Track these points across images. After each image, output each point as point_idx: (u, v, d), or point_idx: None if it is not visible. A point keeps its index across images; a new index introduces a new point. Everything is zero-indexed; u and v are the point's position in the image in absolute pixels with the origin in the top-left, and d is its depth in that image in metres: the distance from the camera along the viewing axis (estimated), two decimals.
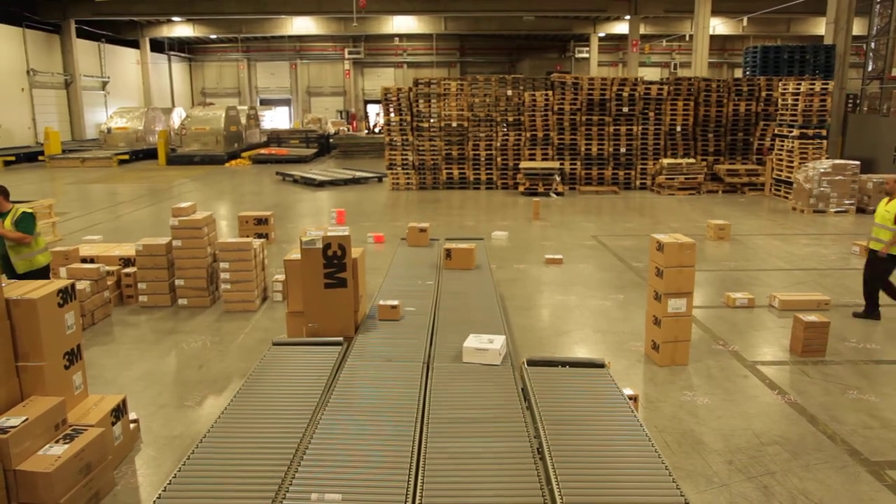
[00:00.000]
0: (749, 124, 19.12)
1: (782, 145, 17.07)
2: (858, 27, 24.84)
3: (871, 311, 7.76)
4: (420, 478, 3.40)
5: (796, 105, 16.61)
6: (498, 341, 5.04)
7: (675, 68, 44.45)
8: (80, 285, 7.33)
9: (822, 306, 8.10)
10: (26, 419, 4.00)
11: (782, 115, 17.35)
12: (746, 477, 4.55)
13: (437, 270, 7.49)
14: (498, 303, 6.41)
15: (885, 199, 7.58)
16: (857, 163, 15.12)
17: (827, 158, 16.20)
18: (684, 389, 5.94)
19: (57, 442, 4.11)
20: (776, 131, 17.72)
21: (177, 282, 8.32)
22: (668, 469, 3.48)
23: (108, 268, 8.30)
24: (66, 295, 4.59)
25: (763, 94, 18.93)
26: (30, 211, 6.72)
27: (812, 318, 6.73)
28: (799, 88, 16.54)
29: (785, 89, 17.18)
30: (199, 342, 7.18)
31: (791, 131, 16.70)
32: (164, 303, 8.36)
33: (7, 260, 6.67)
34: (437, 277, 7.19)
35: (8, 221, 6.57)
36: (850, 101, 20.39)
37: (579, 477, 3.38)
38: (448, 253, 7.60)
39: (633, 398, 4.75)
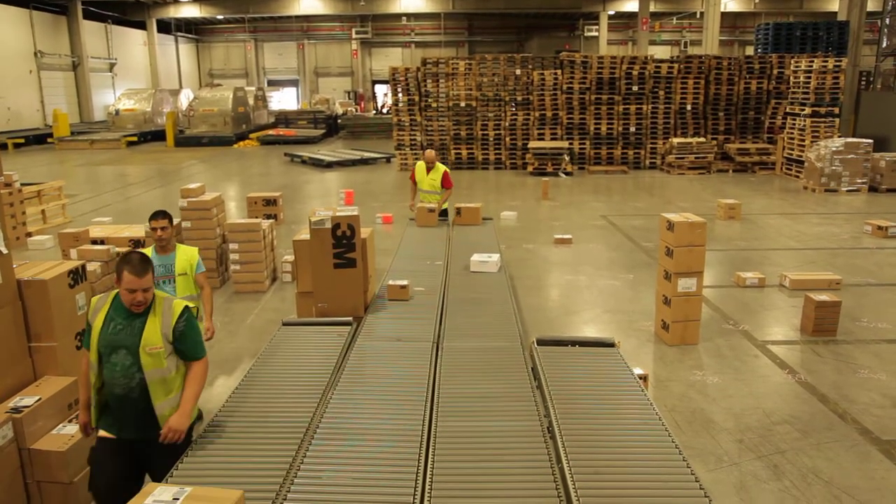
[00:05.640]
0: (760, 103, 18.91)
1: (794, 124, 16.88)
2: (873, 3, 24.37)
3: None
4: (430, 456, 3.41)
5: (808, 83, 16.39)
6: (495, 257, 6.69)
7: (685, 46, 43.87)
8: (90, 266, 7.33)
9: (833, 286, 8.05)
10: (39, 399, 4.03)
11: (794, 93, 17.14)
12: (757, 456, 4.55)
13: (445, 251, 7.47)
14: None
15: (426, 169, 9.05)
16: (870, 141, 14.94)
17: (839, 137, 16.01)
18: (694, 369, 5.93)
19: (70, 421, 4.15)
20: (788, 109, 17.52)
21: None
22: (678, 448, 3.47)
23: (117, 249, 8.31)
24: (77, 276, 4.60)
25: (775, 71, 18.69)
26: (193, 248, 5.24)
27: (823, 297, 6.69)
28: (811, 66, 16.32)
29: (797, 67, 16.95)
30: None
31: (803, 109, 16.51)
32: None
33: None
34: (446, 258, 7.18)
35: (184, 282, 4.95)
36: (864, 78, 20.09)
37: (589, 456, 3.38)
38: (459, 211, 8.92)
39: (643, 377, 4.75)
